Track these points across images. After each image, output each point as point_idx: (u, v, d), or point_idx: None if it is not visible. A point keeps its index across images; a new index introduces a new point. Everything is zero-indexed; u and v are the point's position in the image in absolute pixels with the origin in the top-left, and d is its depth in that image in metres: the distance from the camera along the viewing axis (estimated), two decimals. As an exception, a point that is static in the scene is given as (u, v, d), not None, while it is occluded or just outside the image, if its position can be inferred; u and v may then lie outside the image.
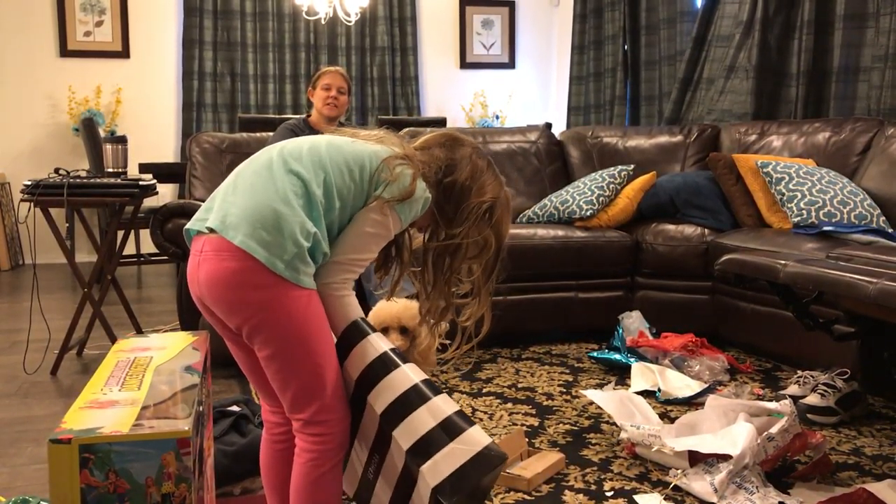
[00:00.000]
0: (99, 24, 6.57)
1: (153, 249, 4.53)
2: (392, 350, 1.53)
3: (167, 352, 1.61)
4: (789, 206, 3.44)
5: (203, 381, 1.48)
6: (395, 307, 2.15)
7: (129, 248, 6.01)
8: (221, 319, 1.50)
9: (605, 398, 2.54)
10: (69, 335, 3.45)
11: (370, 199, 1.54)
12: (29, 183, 3.25)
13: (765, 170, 3.61)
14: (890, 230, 3.22)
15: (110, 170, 3.60)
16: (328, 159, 1.52)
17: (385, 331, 2.14)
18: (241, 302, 1.44)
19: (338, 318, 1.53)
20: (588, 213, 3.85)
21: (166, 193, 6.39)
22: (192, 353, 1.60)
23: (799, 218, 3.37)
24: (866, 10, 4.03)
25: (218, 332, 1.58)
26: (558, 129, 6.90)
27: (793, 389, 2.83)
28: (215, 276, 1.44)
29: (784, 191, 3.49)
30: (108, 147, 3.60)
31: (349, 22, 6.41)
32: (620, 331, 3.40)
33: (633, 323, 3.45)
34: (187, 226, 1.54)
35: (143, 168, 5.00)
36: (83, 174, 3.47)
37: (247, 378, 1.67)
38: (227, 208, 1.47)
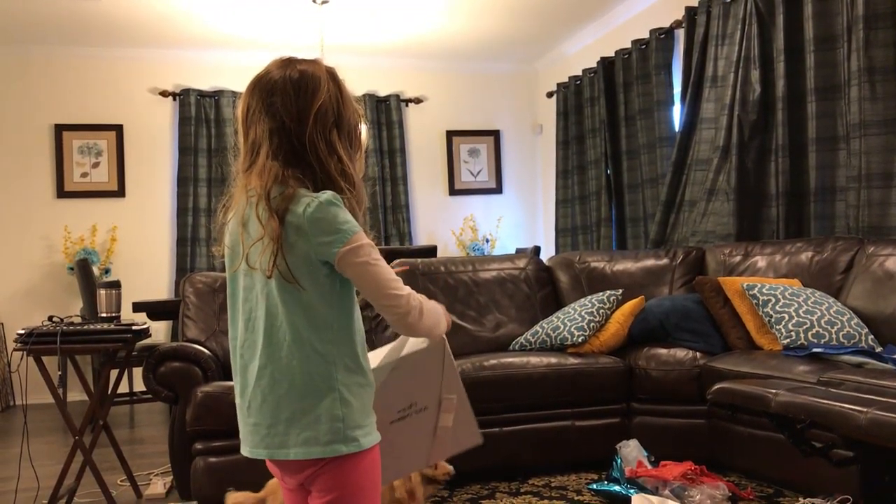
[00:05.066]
0: (95, 165, 6.75)
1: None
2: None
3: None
4: (778, 328, 3.47)
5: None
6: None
7: (123, 386, 5.98)
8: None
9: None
10: (59, 485, 3.39)
11: (334, 257, 1.41)
12: (22, 332, 3.27)
13: (751, 292, 3.66)
14: (878, 349, 3.24)
15: (104, 314, 3.62)
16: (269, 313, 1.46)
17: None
18: None
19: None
20: (580, 340, 3.87)
21: (160, 329, 6.41)
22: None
23: (788, 340, 3.40)
24: (836, 133, 4.19)
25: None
26: (547, 250, 7.02)
27: (796, 518, 2.78)
28: None
29: (772, 312, 3.53)
30: (103, 292, 3.64)
31: (339, 156, 6.59)
32: (619, 460, 3.36)
33: (631, 452, 3.41)
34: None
35: (137, 307, 5.02)
36: (76, 320, 3.50)
37: None
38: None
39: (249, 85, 1.50)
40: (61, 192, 6.65)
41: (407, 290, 1.48)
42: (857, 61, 3.92)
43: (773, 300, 3.56)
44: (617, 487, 3.22)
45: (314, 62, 1.52)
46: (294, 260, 1.39)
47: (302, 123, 1.44)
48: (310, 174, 1.45)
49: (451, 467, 2.12)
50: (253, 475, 3.17)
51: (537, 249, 6.29)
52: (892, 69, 3.82)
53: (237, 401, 1.52)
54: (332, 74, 1.52)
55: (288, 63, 1.50)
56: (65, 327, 3.31)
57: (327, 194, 1.41)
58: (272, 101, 1.45)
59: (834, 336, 3.32)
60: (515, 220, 7.81)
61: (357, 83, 7.26)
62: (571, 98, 6.83)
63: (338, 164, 1.46)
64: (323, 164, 1.45)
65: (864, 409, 2.12)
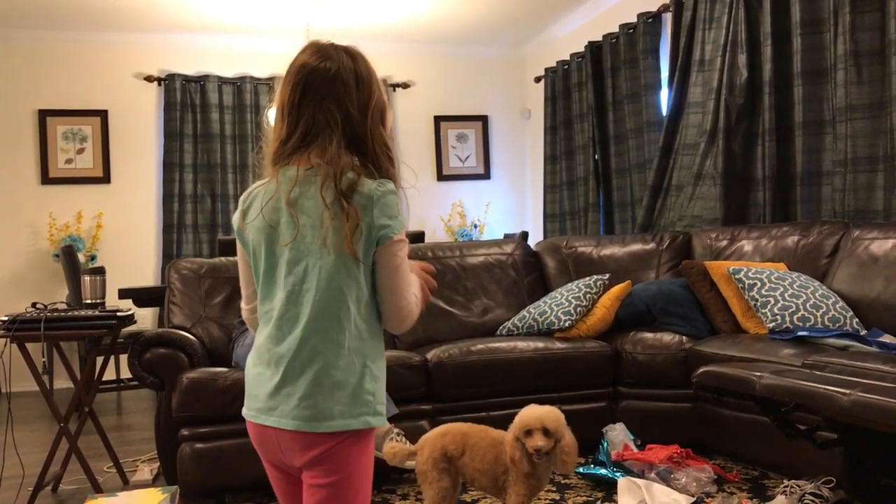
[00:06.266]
0: (80, 151, 6.69)
1: (132, 376, 4.48)
2: None
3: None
4: (763, 311, 3.48)
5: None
6: (540, 410, 2.36)
7: (110, 373, 5.95)
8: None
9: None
10: (44, 472, 3.37)
11: (386, 241, 1.50)
12: (6, 319, 3.24)
13: (737, 276, 3.67)
14: (863, 332, 3.26)
15: (88, 301, 3.60)
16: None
17: (529, 432, 2.33)
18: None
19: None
20: (567, 324, 3.87)
21: (147, 316, 6.38)
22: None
23: (774, 323, 3.41)
24: (823, 117, 4.19)
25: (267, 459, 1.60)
26: (536, 236, 7.02)
27: (780, 500, 2.80)
28: None
29: (757, 296, 3.54)
30: (87, 278, 3.62)
31: (327, 141, 6.56)
32: (605, 444, 3.37)
33: (618, 435, 3.42)
34: None
35: (123, 293, 5.00)
36: (61, 307, 3.47)
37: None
38: None
39: (299, 72, 1.53)
40: (46, 179, 6.60)
41: (416, 298, 1.57)
42: (844, 45, 3.92)
43: (759, 284, 3.57)
44: (603, 471, 3.23)
45: (359, 51, 1.60)
46: (359, 237, 1.47)
47: (364, 114, 1.53)
48: (367, 161, 1.53)
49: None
50: (239, 461, 3.17)
51: (525, 235, 6.28)
52: (878, 53, 3.82)
53: (264, 371, 1.53)
54: (371, 63, 1.62)
55: (336, 50, 1.57)
56: (48, 314, 3.29)
57: (391, 184, 1.52)
58: (335, 90, 1.52)
59: (819, 319, 3.33)
60: (504, 206, 7.80)
61: (344, 68, 7.22)
62: (559, 83, 6.81)
63: (387, 150, 1.56)
64: (377, 152, 1.54)
65: (848, 391, 2.13)
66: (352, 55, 1.57)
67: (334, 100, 1.51)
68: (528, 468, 2.38)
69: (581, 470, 3.32)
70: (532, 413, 2.38)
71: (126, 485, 3.61)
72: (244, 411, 1.58)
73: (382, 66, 7.29)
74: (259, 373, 1.55)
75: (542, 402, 3.65)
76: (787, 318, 3.38)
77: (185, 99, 6.86)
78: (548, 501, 3.05)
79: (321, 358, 1.48)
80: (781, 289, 3.49)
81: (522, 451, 2.37)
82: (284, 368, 1.50)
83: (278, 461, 1.57)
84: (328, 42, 1.59)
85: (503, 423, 3.63)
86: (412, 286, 1.56)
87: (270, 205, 1.53)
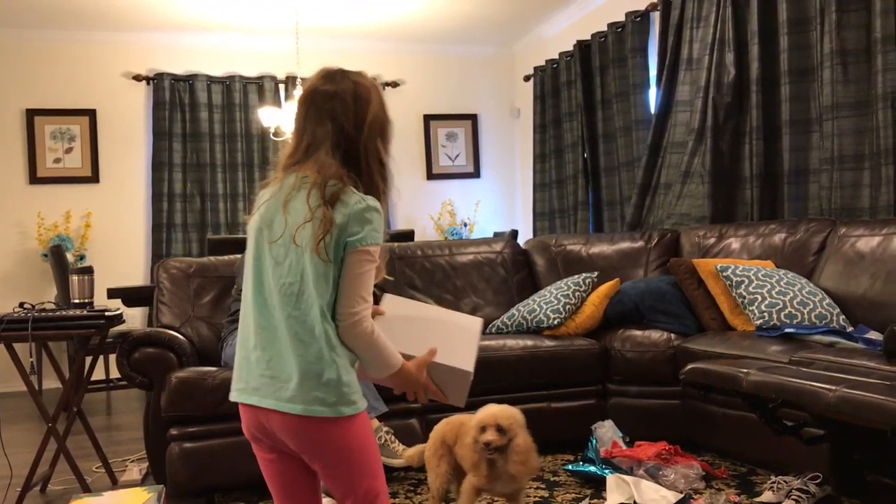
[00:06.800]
0: (69, 150, 6.67)
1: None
2: None
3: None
4: (751, 308, 3.50)
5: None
6: (495, 408, 2.48)
7: (100, 373, 5.94)
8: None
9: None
10: (32, 472, 3.36)
11: (354, 246, 1.62)
12: (-7, 319, 3.23)
13: (724, 274, 3.68)
14: (849, 329, 3.28)
15: (76, 301, 3.59)
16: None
17: (483, 429, 2.45)
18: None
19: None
20: (556, 322, 3.88)
21: (136, 316, 6.36)
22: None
23: (761, 320, 3.43)
24: (810, 116, 4.21)
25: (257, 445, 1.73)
26: (525, 234, 7.03)
27: (767, 496, 2.82)
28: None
29: (745, 294, 3.56)
30: (75, 278, 3.60)
31: (316, 140, 6.55)
32: (594, 441, 3.38)
33: (607, 432, 3.44)
34: None
35: (112, 293, 4.98)
36: (49, 306, 3.46)
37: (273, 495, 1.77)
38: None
39: (306, 93, 1.73)
40: (34, 178, 6.57)
41: (365, 314, 1.65)
42: (830, 43, 3.94)
43: (747, 281, 3.59)
44: (592, 468, 3.24)
45: (362, 74, 1.75)
46: (329, 240, 1.61)
47: (359, 130, 1.68)
48: (357, 174, 1.67)
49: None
50: (228, 461, 3.17)
51: (514, 233, 6.29)
52: (864, 51, 3.85)
53: (252, 355, 1.67)
54: (376, 86, 1.77)
55: (340, 74, 1.73)
56: (36, 313, 3.28)
57: (376, 202, 1.65)
58: (331, 108, 1.68)
59: (806, 316, 3.35)
60: (493, 204, 7.81)
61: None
62: (548, 81, 6.82)
63: (380, 167, 1.71)
64: (370, 167, 1.69)
65: (834, 388, 2.15)
66: (354, 79, 1.72)
67: (331, 117, 1.67)
68: (486, 470, 2.49)
69: (570, 467, 3.33)
70: (487, 411, 2.51)
71: (115, 485, 3.60)
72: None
73: (372, 65, 7.30)
74: (254, 358, 1.68)
75: (531, 399, 3.73)
76: (775, 316, 3.40)
77: (174, 98, 6.84)
78: (537, 499, 3.06)
79: (300, 346, 1.61)
80: (769, 286, 3.51)
81: (479, 450, 2.48)
82: (271, 354, 1.65)
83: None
84: (337, 68, 1.76)
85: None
86: (366, 299, 1.65)
87: (269, 204, 1.70)
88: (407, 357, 1.73)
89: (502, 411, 2.49)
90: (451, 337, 1.85)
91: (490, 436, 2.43)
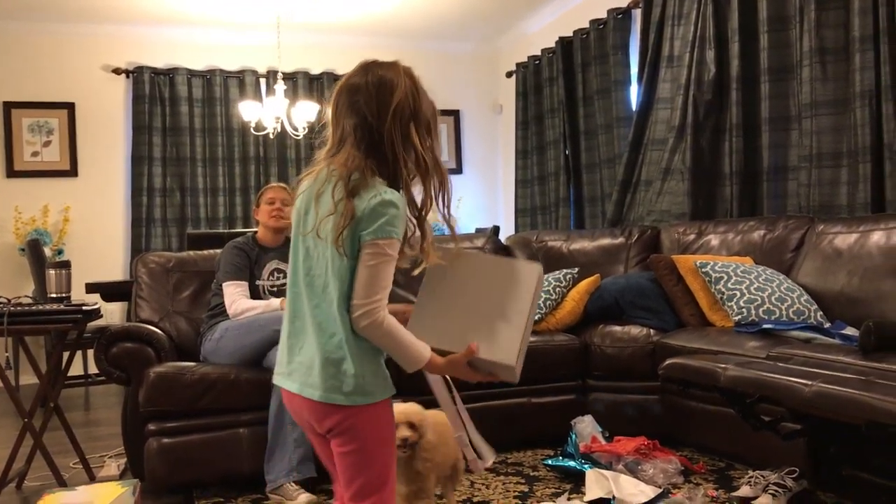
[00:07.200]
0: (47, 143, 6.60)
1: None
2: None
3: None
4: (730, 304, 3.52)
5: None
6: (402, 406, 2.45)
7: (78, 368, 5.89)
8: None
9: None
10: (7, 468, 3.33)
11: (367, 238, 1.61)
12: (-32, 313, 3.19)
13: (703, 270, 3.70)
14: (826, 325, 3.31)
15: (53, 295, 3.55)
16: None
17: (398, 426, 2.39)
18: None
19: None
20: (536, 318, 3.89)
21: (115, 311, 6.31)
22: None
23: (740, 316, 3.45)
24: (789, 113, 4.24)
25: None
26: (507, 230, 7.03)
27: (744, 490, 2.84)
28: None
29: (724, 290, 3.58)
30: (52, 272, 3.57)
31: (297, 136, 6.53)
32: (574, 436, 3.39)
33: (586, 427, 3.45)
34: None
35: (90, 288, 4.94)
36: (25, 300, 3.43)
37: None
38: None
39: (339, 87, 1.75)
40: (11, 172, 6.49)
41: (380, 305, 1.64)
42: (809, 42, 3.97)
43: (726, 278, 3.61)
44: (572, 463, 3.25)
45: (393, 64, 1.78)
46: (347, 234, 1.62)
47: (381, 119, 1.67)
48: (385, 163, 1.67)
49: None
50: (206, 456, 3.15)
51: (497, 229, 6.29)
52: (843, 49, 3.88)
53: (288, 341, 1.74)
54: (408, 74, 1.78)
55: (369, 66, 1.76)
56: (12, 308, 3.24)
57: (394, 195, 1.63)
58: (356, 100, 1.69)
59: (784, 312, 3.37)
60: (475, 201, 7.81)
61: (314, 62, 7.18)
62: (531, 78, 6.83)
63: (412, 154, 1.69)
64: (396, 155, 1.67)
65: (810, 383, 2.17)
66: (381, 70, 1.74)
67: (355, 109, 1.69)
68: (407, 470, 2.49)
69: (550, 462, 3.34)
70: (396, 409, 2.48)
71: (92, 480, 3.57)
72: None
73: (353, 60, 7.26)
74: (289, 344, 1.74)
75: (511, 395, 3.73)
76: (753, 311, 3.42)
77: (153, 92, 6.78)
78: (516, 494, 3.07)
79: (322, 335, 1.65)
80: (747, 282, 3.54)
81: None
82: (304, 341, 1.70)
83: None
84: (371, 60, 1.78)
85: (472, 416, 3.64)
86: (376, 293, 1.63)
87: (304, 196, 1.75)
88: (444, 353, 1.70)
89: (411, 408, 2.50)
90: (495, 320, 1.75)
91: (404, 431, 2.44)
